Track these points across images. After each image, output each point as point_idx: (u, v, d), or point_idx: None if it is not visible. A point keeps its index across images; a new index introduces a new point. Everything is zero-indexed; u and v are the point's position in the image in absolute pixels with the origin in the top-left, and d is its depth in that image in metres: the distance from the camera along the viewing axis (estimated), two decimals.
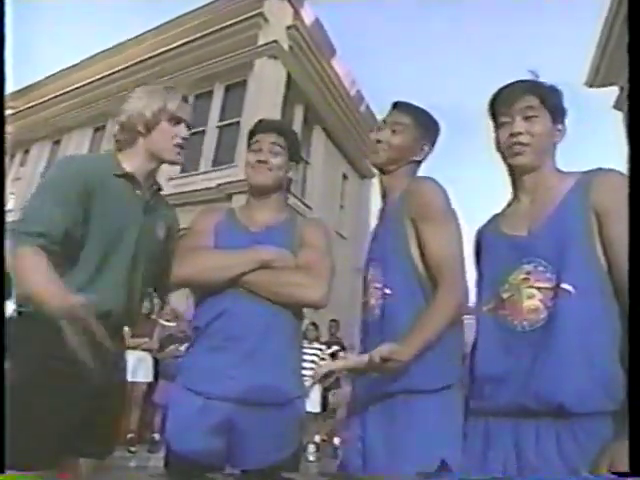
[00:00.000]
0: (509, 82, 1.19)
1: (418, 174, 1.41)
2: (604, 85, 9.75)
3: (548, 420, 0.96)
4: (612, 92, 9.82)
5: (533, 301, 1.04)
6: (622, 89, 9.41)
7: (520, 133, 1.14)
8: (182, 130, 1.38)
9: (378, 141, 1.38)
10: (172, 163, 1.42)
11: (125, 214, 1.30)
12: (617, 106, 9.79)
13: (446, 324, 1.15)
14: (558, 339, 0.98)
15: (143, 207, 1.35)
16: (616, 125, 9.80)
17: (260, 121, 1.53)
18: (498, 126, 1.19)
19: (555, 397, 0.95)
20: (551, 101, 1.15)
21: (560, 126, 1.17)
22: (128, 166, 1.34)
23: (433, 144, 1.43)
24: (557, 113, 1.16)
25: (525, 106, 1.14)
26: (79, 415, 1.18)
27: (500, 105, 1.18)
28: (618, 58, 8.71)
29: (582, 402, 0.93)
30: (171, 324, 5.62)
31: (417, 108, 1.42)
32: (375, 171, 1.46)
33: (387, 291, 1.25)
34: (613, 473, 0.81)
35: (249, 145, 1.50)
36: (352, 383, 1.39)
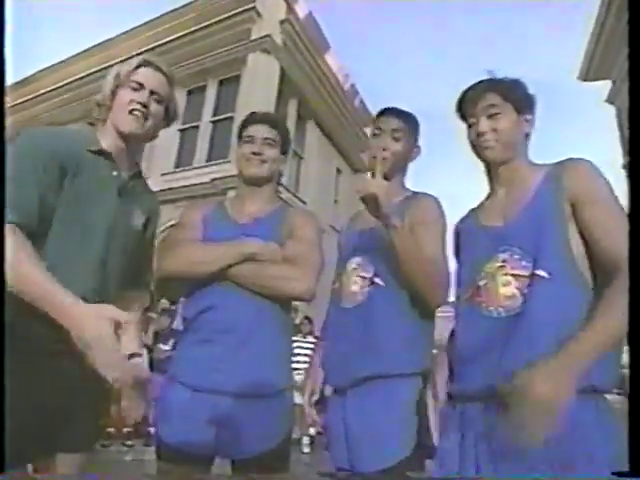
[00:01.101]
0: (470, 84, 1.24)
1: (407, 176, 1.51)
2: (597, 79, 9.80)
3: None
4: (605, 86, 9.88)
5: (509, 288, 1.07)
6: (614, 83, 9.47)
7: (485, 132, 1.18)
8: (139, 95, 1.25)
9: (383, 149, 1.42)
10: (132, 136, 1.26)
11: (97, 195, 1.19)
12: (609, 99, 9.84)
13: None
14: (531, 323, 1.01)
15: (118, 189, 1.25)
16: (608, 118, 9.86)
17: (252, 113, 1.53)
18: (468, 127, 1.24)
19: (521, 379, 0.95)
20: (513, 95, 1.19)
21: (528, 116, 1.20)
22: (105, 144, 1.26)
23: (418, 143, 1.52)
24: (521, 105, 1.19)
25: (487, 104, 1.19)
26: (57, 408, 1.11)
27: (465, 107, 1.24)
28: (610, 52, 8.75)
29: None
30: (157, 317, 5.65)
31: (408, 113, 1.49)
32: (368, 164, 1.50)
33: (378, 281, 1.32)
34: (613, 473, 0.83)
35: (240, 137, 1.50)
36: (324, 369, 1.43)
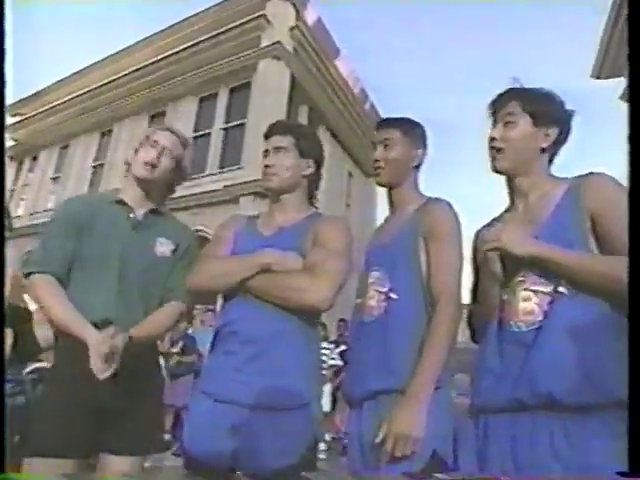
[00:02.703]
0: (500, 91, 1.23)
1: (419, 181, 1.48)
2: (610, 77, 9.67)
3: (542, 414, 1.00)
4: (619, 83, 9.73)
5: (528, 303, 1.08)
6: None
7: (494, 139, 1.19)
8: (154, 150, 1.54)
9: (375, 160, 1.43)
10: (143, 179, 1.54)
11: (111, 234, 1.48)
12: (624, 97, 9.70)
13: (446, 350, 1.21)
14: (552, 338, 1.01)
15: (132, 226, 1.52)
16: (623, 116, 9.70)
17: (269, 126, 1.53)
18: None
19: (546, 388, 0.99)
20: (533, 106, 1.17)
21: (549, 130, 1.17)
22: (125, 195, 1.56)
23: (425, 146, 1.48)
24: (541, 117, 1.17)
25: (506, 112, 1.19)
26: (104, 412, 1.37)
27: (490, 112, 1.24)
28: (624, 49, 8.63)
29: (572, 393, 0.97)
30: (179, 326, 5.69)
31: (400, 119, 1.48)
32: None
33: (393, 296, 1.30)
34: (617, 473, 0.83)
35: (262, 152, 1.51)
36: (338, 376, 1.43)
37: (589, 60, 9.66)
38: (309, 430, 1.30)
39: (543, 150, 1.19)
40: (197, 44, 10.13)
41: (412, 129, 1.46)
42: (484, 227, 1.31)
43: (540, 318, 1.05)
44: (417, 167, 1.47)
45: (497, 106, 1.21)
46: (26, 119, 13.72)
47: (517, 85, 1.23)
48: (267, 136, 1.49)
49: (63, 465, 1.30)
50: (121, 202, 1.54)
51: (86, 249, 1.46)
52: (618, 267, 0.94)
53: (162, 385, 1.63)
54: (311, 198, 1.56)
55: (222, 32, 9.84)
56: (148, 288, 1.49)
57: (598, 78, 9.73)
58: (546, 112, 1.17)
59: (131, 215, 1.52)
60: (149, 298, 1.50)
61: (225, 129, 10.09)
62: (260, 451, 1.24)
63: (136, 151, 1.57)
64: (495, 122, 1.22)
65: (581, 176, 1.13)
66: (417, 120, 1.50)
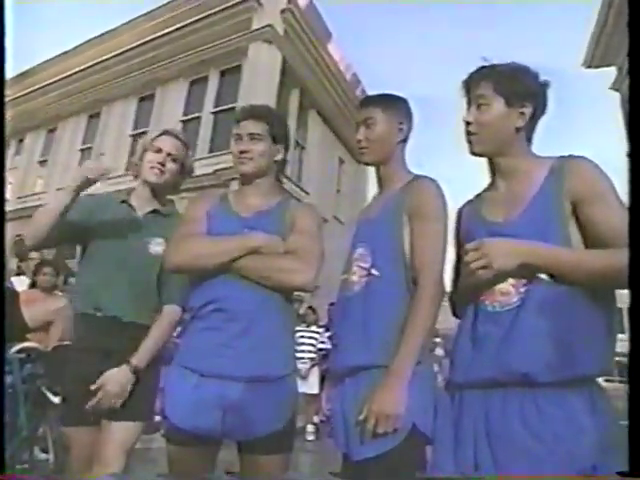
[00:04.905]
0: (472, 70, 1.22)
1: (407, 155, 1.47)
2: (602, 66, 9.68)
3: (514, 388, 1.04)
4: (610, 73, 9.76)
5: (505, 284, 1.09)
6: (620, 69, 9.35)
7: (468, 123, 1.18)
8: (158, 156, 1.68)
9: (358, 141, 1.43)
10: (152, 184, 1.69)
11: (112, 233, 1.66)
12: (614, 87, 9.73)
13: (427, 329, 1.24)
14: (529, 320, 1.04)
15: (130, 224, 1.68)
16: (613, 106, 9.76)
17: (240, 109, 1.56)
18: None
19: (521, 369, 1.02)
20: (505, 86, 1.16)
21: (523, 109, 1.16)
22: (133, 195, 1.73)
23: (410, 119, 1.47)
24: (514, 97, 1.15)
25: (477, 94, 1.18)
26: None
27: (464, 93, 1.23)
28: (616, 38, 8.63)
29: (546, 374, 1.00)
30: None
31: (379, 96, 1.47)
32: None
33: (374, 272, 1.32)
34: (618, 473, 0.85)
35: (233, 134, 1.51)
36: (326, 360, 1.46)
37: (581, 49, 9.65)
38: (292, 398, 1.42)
39: (519, 129, 1.18)
40: (187, 26, 9.96)
41: (393, 104, 1.44)
42: (465, 204, 1.33)
43: (515, 299, 1.07)
44: (403, 142, 1.45)
45: (470, 86, 1.21)
46: (11, 100, 13.44)
47: (487, 64, 1.21)
48: (240, 119, 1.50)
49: (86, 431, 1.58)
50: (125, 202, 1.72)
51: (92, 244, 1.67)
52: (604, 262, 0.96)
53: (161, 364, 1.76)
54: (279, 181, 1.60)
55: (213, 14, 9.68)
56: (141, 285, 1.62)
57: (589, 67, 9.74)
58: (519, 90, 1.16)
59: (133, 214, 1.68)
60: (141, 294, 1.62)
61: (215, 113, 9.98)
62: (250, 420, 1.33)
63: (142, 156, 1.71)
64: (469, 103, 1.21)
65: (563, 158, 1.13)
66: (398, 94, 1.47)
